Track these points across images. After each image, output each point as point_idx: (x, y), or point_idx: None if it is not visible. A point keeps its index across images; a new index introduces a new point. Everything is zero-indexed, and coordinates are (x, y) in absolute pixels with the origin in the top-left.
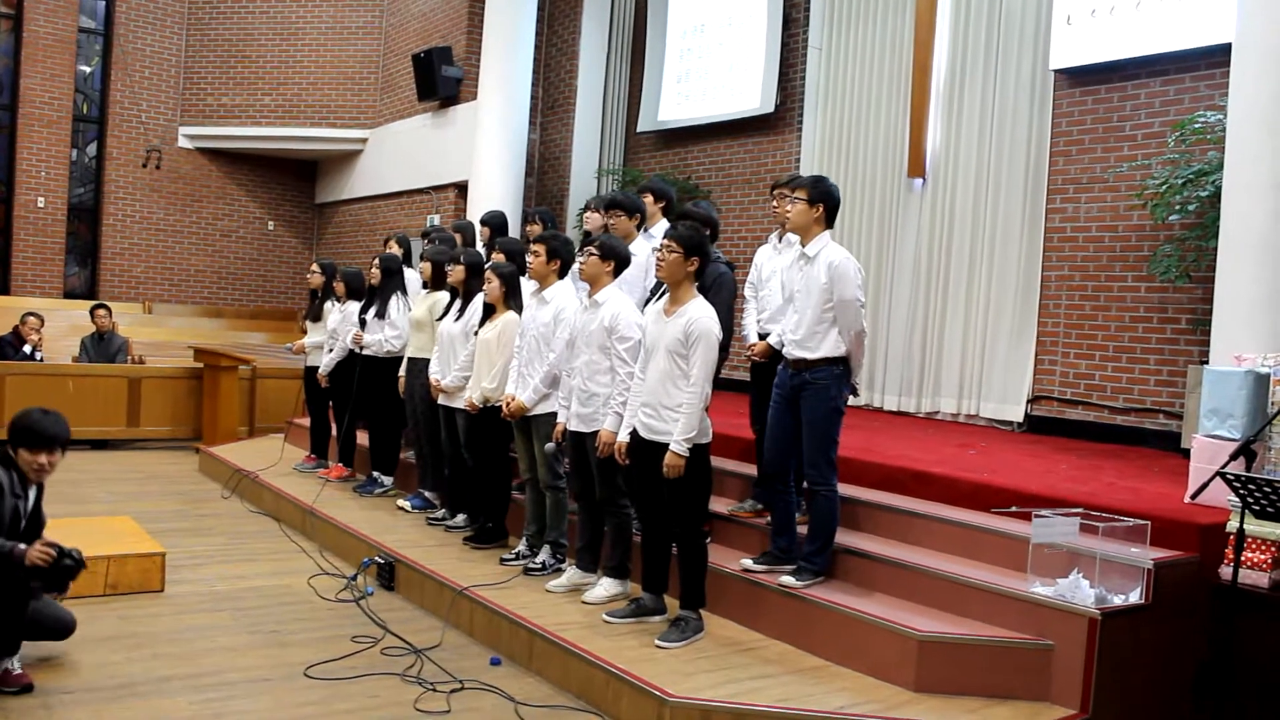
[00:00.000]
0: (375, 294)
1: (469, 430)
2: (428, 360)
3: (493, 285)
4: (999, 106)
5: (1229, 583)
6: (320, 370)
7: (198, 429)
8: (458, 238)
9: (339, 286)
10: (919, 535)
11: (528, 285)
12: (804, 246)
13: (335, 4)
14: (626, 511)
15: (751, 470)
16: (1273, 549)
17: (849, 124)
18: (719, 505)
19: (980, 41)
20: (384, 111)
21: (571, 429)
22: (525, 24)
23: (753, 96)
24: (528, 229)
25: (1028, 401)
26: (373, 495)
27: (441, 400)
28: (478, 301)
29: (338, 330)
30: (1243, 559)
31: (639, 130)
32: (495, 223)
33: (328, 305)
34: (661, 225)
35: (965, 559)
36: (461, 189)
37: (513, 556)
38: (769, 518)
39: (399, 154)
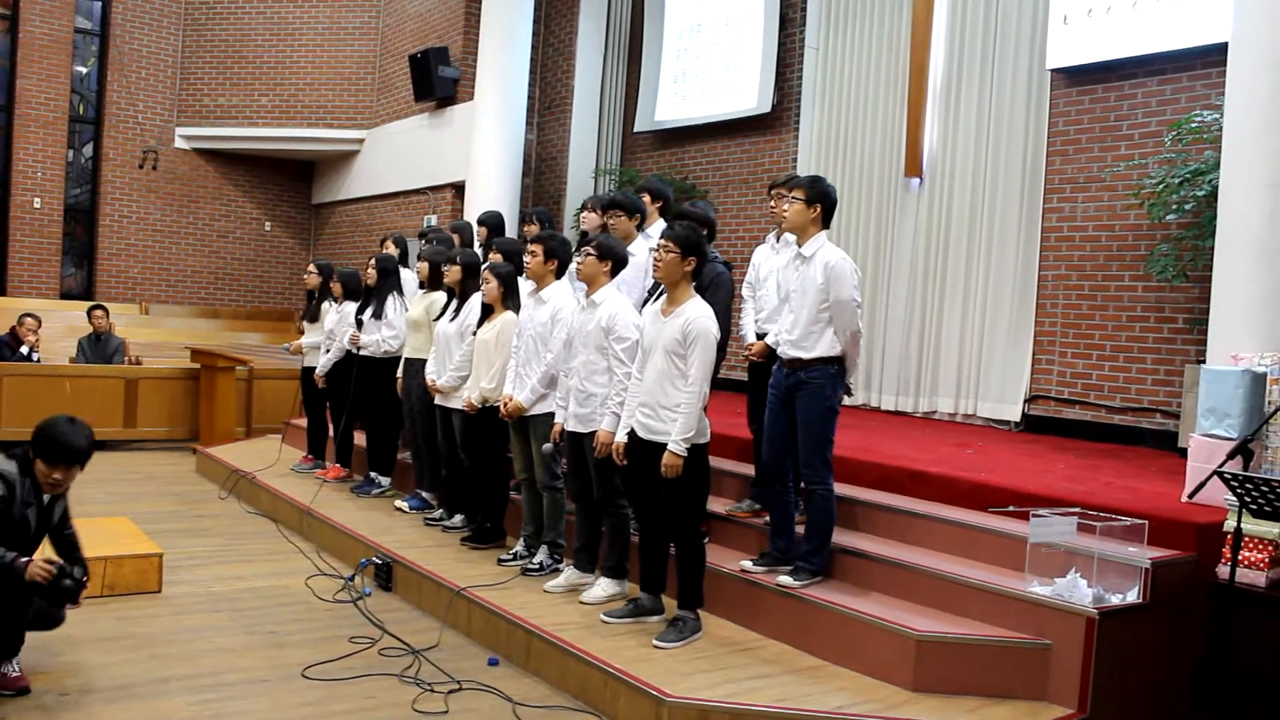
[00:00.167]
0: (372, 294)
1: (465, 430)
2: (425, 360)
3: (490, 285)
4: (996, 106)
5: (1226, 582)
6: (317, 371)
7: (195, 430)
8: (455, 238)
9: (336, 287)
10: (917, 535)
11: (525, 285)
12: (800, 246)
13: (332, 4)
14: (624, 512)
15: (749, 470)
16: (1270, 548)
17: (846, 124)
18: (717, 505)
19: (977, 41)
20: (381, 112)
21: (569, 429)
22: (522, 24)
23: (749, 96)
24: (525, 229)
25: (1025, 401)
26: (370, 496)
27: (438, 400)
28: (473, 301)
29: (335, 331)
30: (1240, 558)
31: (636, 130)
32: (492, 223)
33: (325, 306)
34: (659, 225)
35: (963, 559)
36: (458, 189)
37: (510, 557)
38: (767, 518)
39: (396, 154)
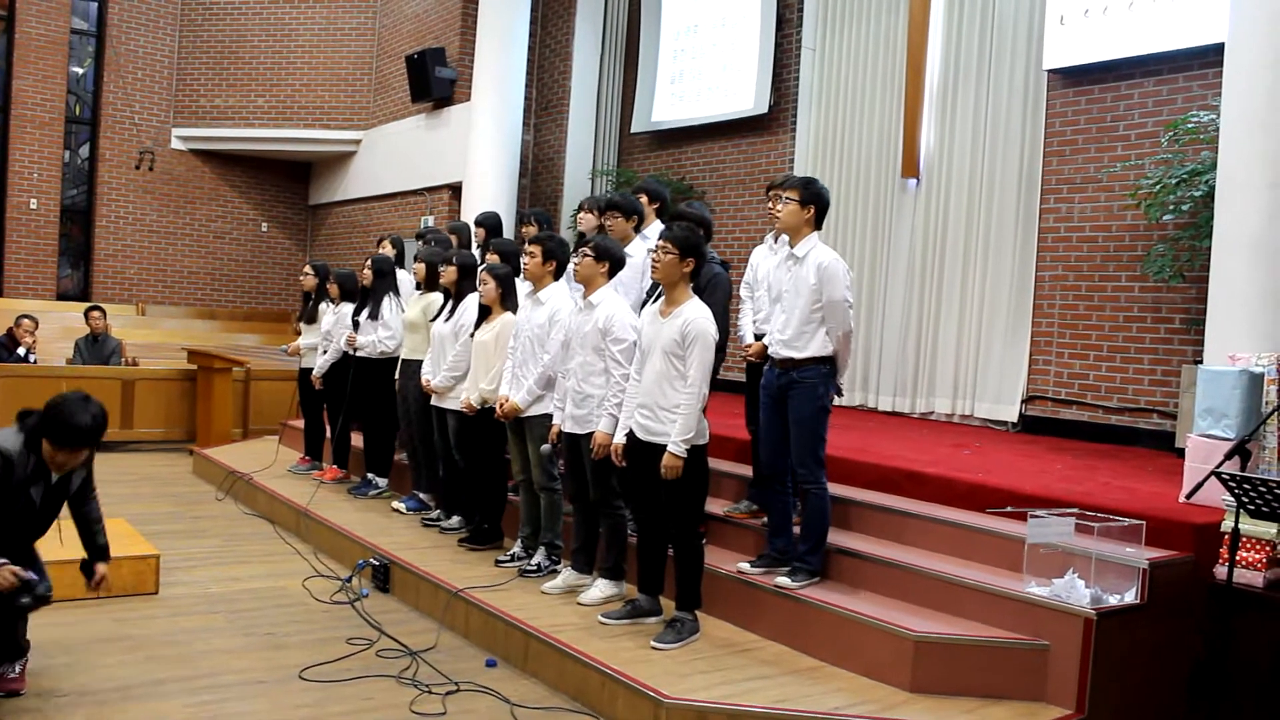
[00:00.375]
0: (368, 295)
1: (459, 431)
2: (421, 361)
3: (488, 286)
4: (993, 107)
5: (1224, 582)
6: (315, 372)
7: (191, 431)
8: (453, 239)
9: (333, 288)
10: (914, 536)
11: (522, 286)
12: (792, 247)
13: (328, 5)
14: (621, 513)
15: (747, 471)
16: (1268, 548)
17: (843, 124)
18: (714, 506)
19: (974, 42)
20: (377, 113)
21: (566, 430)
22: (519, 25)
23: (746, 97)
24: (523, 230)
25: (1022, 401)
26: (367, 497)
27: (434, 401)
28: (468, 302)
29: (332, 332)
30: (1238, 558)
31: (633, 131)
32: (490, 224)
33: (322, 307)
34: (656, 226)
35: (961, 559)
36: (455, 190)
37: (508, 558)
38: (765, 519)
39: (393, 155)
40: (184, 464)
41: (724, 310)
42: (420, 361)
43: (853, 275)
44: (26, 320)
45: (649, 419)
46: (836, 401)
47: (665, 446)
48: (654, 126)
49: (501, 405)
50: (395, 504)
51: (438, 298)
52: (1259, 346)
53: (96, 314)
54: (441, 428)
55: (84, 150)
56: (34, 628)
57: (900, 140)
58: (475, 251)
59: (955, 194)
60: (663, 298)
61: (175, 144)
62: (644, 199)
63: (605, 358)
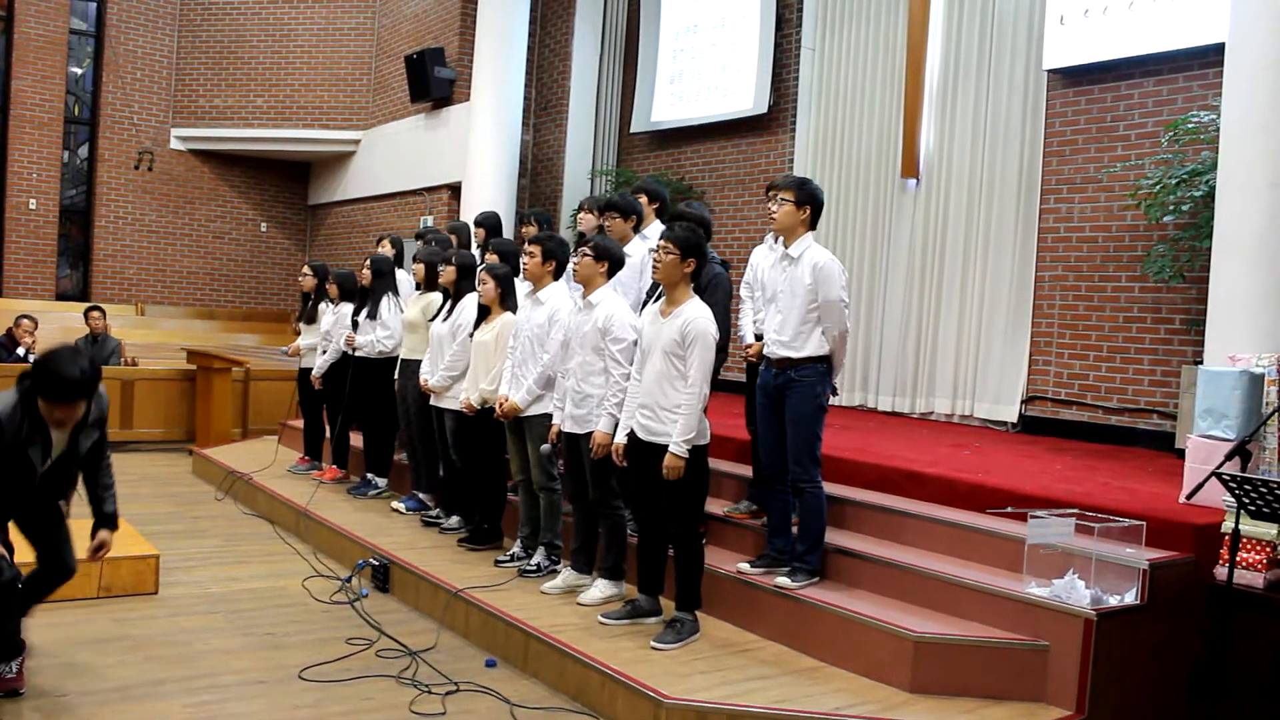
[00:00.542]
0: (367, 295)
1: (457, 431)
2: (421, 361)
3: (487, 286)
4: (992, 107)
5: (1224, 583)
6: (314, 372)
7: (191, 431)
8: (453, 239)
9: (332, 288)
10: (914, 536)
11: (521, 286)
12: (787, 247)
13: (327, 5)
14: (621, 513)
15: (747, 471)
16: (1268, 549)
17: (842, 124)
18: (714, 506)
19: (973, 42)
20: (377, 113)
21: (566, 430)
22: (518, 25)
23: (746, 97)
24: (523, 230)
25: (1022, 402)
26: (367, 497)
27: (432, 400)
28: (466, 302)
29: (331, 332)
30: (1238, 559)
31: (632, 131)
32: (489, 224)
33: (321, 307)
34: (655, 226)
35: (960, 560)
36: (455, 190)
37: (507, 558)
38: (765, 519)
39: (392, 155)
40: (183, 464)
41: (725, 310)
42: (419, 361)
43: (848, 275)
44: (26, 320)
45: (650, 419)
46: (832, 401)
47: (666, 447)
48: (653, 126)
49: (501, 405)
50: (395, 504)
51: (437, 298)
52: (1259, 347)
53: (96, 314)
54: (441, 427)
55: (83, 150)
56: (34, 627)
57: (900, 140)
58: (475, 251)
59: (955, 194)
60: (663, 298)
61: (174, 144)
62: (643, 199)
63: (604, 357)
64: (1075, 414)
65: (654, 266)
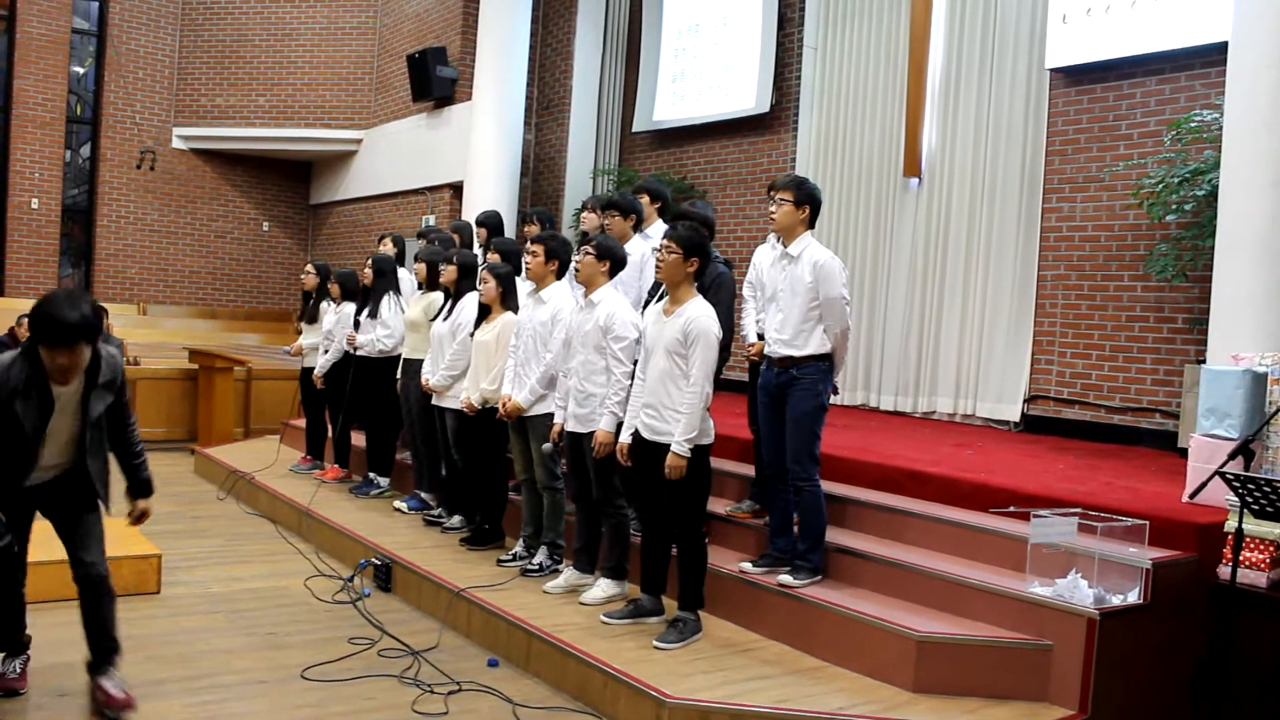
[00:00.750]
0: (369, 294)
1: (457, 431)
2: (423, 360)
3: (488, 285)
4: (995, 106)
5: (1227, 582)
6: (316, 371)
7: (193, 430)
8: (455, 238)
9: (334, 288)
10: (917, 535)
11: (523, 286)
12: (786, 246)
13: (329, 5)
14: (624, 512)
15: (749, 470)
16: (1271, 548)
17: (844, 124)
18: (716, 506)
19: (976, 40)
20: (379, 112)
21: (568, 429)
22: (520, 24)
23: (748, 96)
24: (525, 229)
25: (1024, 401)
26: (369, 496)
27: (433, 400)
28: (466, 301)
29: (333, 331)
30: (1241, 559)
31: (634, 130)
32: (491, 223)
33: (323, 306)
34: (657, 225)
35: (963, 559)
36: (457, 190)
37: (510, 557)
38: (767, 518)
39: (394, 155)
40: (185, 463)
41: (729, 310)
42: (422, 361)
43: (849, 273)
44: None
45: (654, 418)
46: (833, 400)
47: (670, 446)
48: (655, 126)
49: (504, 405)
50: (397, 503)
51: (438, 297)
52: (1262, 346)
53: None
54: (442, 427)
55: (85, 150)
56: (34, 627)
57: (902, 139)
58: (477, 251)
59: (957, 193)
60: (666, 297)
61: (176, 143)
62: (645, 198)
63: (606, 356)
64: (1078, 413)
65: (657, 266)
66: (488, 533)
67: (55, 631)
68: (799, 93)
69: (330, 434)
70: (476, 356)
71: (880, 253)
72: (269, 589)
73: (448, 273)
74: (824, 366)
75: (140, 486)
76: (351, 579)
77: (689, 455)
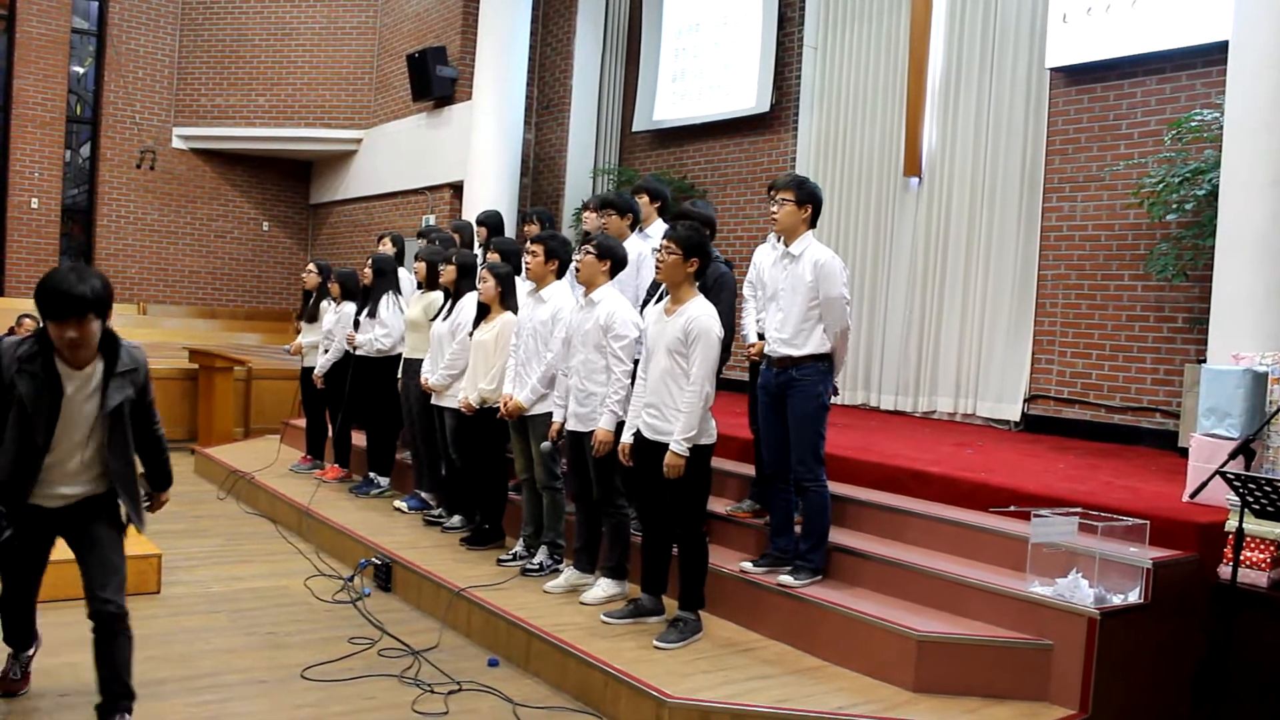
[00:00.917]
0: (369, 294)
1: (456, 430)
2: (423, 360)
3: (488, 285)
4: (995, 105)
5: (1228, 582)
6: (316, 371)
7: (193, 430)
8: (456, 237)
9: (334, 287)
10: (917, 535)
11: (523, 285)
12: (788, 246)
13: (329, 4)
14: (624, 512)
15: (750, 470)
16: (1272, 548)
17: (844, 123)
18: (717, 505)
19: (976, 40)
20: (379, 112)
21: (569, 429)
22: (520, 24)
23: (748, 96)
24: (526, 229)
25: (1024, 401)
26: (369, 496)
27: (432, 399)
28: (465, 301)
29: (333, 331)
30: (1242, 558)
31: (634, 130)
32: (492, 223)
33: (324, 305)
34: (657, 225)
35: (964, 559)
36: (457, 189)
37: (510, 557)
38: (768, 518)
39: (394, 154)
40: (185, 463)
41: (730, 309)
42: (422, 360)
43: (849, 272)
44: (28, 320)
45: (656, 418)
46: (834, 399)
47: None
48: (655, 125)
49: (505, 404)
50: (397, 503)
51: (438, 296)
52: (1263, 345)
53: None
54: (441, 426)
55: (85, 149)
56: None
57: (902, 139)
58: (478, 250)
59: (958, 193)
60: (668, 296)
61: (176, 143)
62: (645, 198)
63: (607, 355)
64: (1078, 413)
65: (657, 266)
66: (488, 532)
67: (57, 631)
68: (799, 92)
69: (330, 433)
70: (475, 356)
71: (880, 252)
72: (269, 589)
73: (447, 272)
74: (824, 367)
75: (159, 477)
76: (352, 579)
77: (687, 454)
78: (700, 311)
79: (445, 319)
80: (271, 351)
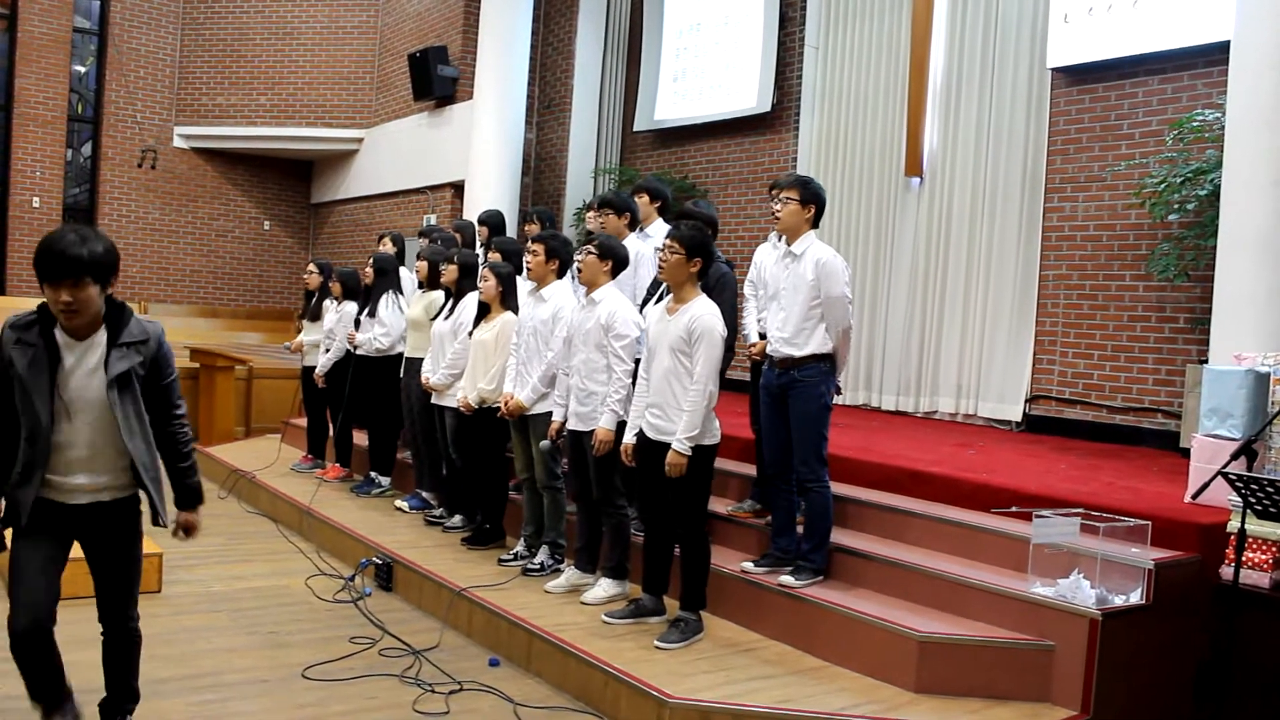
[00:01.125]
0: (370, 293)
1: (456, 429)
2: (424, 359)
3: (489, 284)
4: (996, 105)
5: (1230, 583)
6: (317, 370)
7: (194, 429)
8: (457, 237)
9: (335, 287)
10: (918, 535)
11: (523, 284)
12: (790, 245)
13: (330, 4)
14: (624, 512)
15: (751, 470)
16: (1274, 549)
17: (846, 123)
18: (718, 505)
19: (977, 40)
20: (380, 111)
21: (570, 428)
22: (521, 23)
23: (749, 95)
24: (526, 228)
25: (1026, 401)
26: (370, 495)
27: (433, 399)
28: (467, 300)
29: (334, 330)
30: (1244, 559)
31: (635, 129)
32: (493, 222)
33: (325, 304)
34: (658, 224)
35: (965, 559)
36: (458, 189)
37: (511, 557)
38: (769, 518)
39: (395, 154)
40: None
41: (733, 309)
42: (424, 359)
43: (851, 271)
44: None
45: (659, 418)
46: (836, 399)
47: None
48: (656, 125)
49: (506, 404)
50: (398, 503)
51: (440, 296)
52: (1265, 346)
53: None
54: (442, 426)
55: (86, 149)
56: None
57: (903, 139)
58: (479, 250)
59: (959, 193)
60: (669, 296)
61: (177, 142)
62: (645, 198)
63: (608, 354)
64: (1079, 413)
65: (660, 266)
66: (489, 532)
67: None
68: (800, 92)
69: (331, 433)
70: (474, 356)
71: (882, 252)
72: (270, 588)
73: (449, 272)
74: (825, 367)
75: (186, 493)
76: (353, 578)
77: (690, 453)
78: (703, 310)
79: (447, 318)
80: (272, 351)
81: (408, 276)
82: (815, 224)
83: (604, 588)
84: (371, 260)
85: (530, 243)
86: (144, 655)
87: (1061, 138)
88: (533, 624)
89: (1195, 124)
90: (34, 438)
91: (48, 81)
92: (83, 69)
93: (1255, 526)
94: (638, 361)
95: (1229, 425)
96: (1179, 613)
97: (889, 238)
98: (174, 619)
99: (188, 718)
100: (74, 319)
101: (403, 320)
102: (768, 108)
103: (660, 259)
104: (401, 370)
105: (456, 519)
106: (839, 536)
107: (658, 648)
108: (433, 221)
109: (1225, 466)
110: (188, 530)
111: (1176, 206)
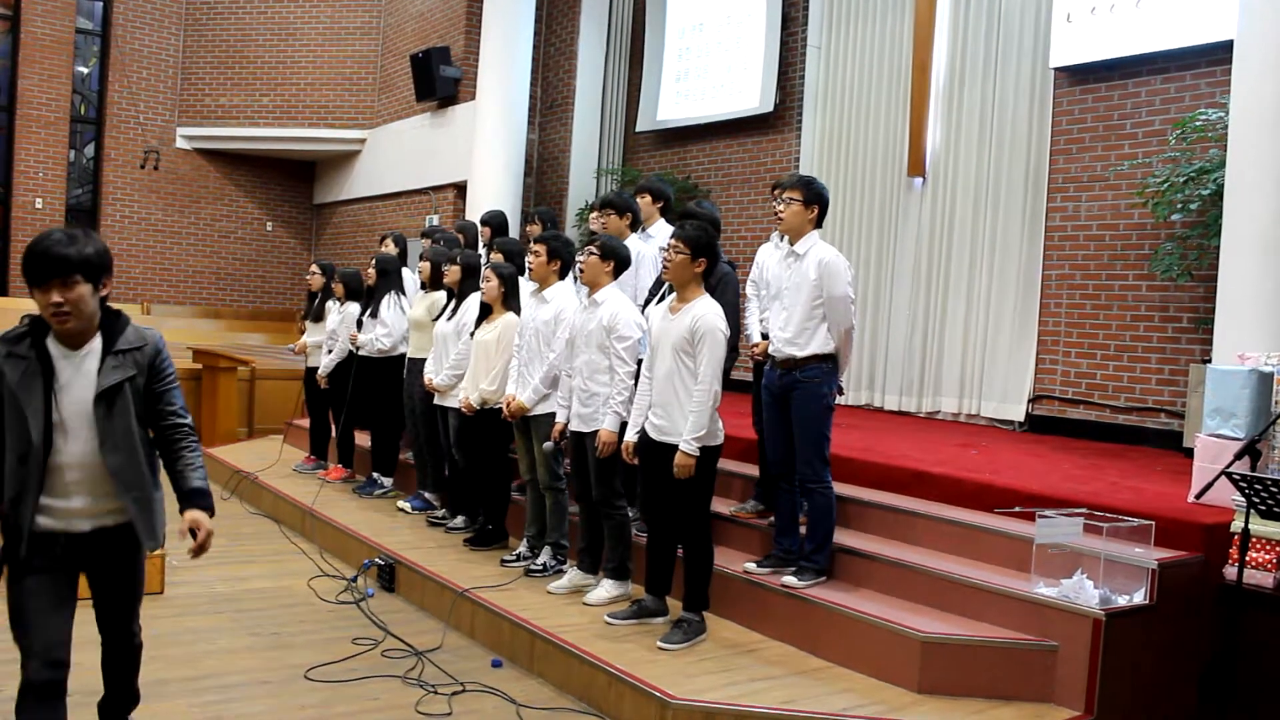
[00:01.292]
0: (372, 294)
1: (459, 430)
2: (427, 360)
3: (491, 285)
4: (999, 105)
5: (1234, 583)
6: (320, 371)
7: (196, 430)
8: (460, 238)
9: (338, 287)
10: (921, 535)
11: (526, 285)
12: (793, 245)
13: (333, 4)
14: (624, 512)
15: (753, 470)
16: (1278, 549)
17: (848, 123)
18: (720, 506)
19: (980, 40)
20: (382, 112)
21: (572, 429)
22: (524, 24)
23: (752, 96)
24: (528, 229)
25: (1029, 401)
26: (372, 496)
27: (436, 400)
28: (470, 301)
29: (337, 331)
30: (1248, 559)
31: (638, 130)
32: (496, 223)
33: (328, 305)
34: (660, 224)
35: (968, 559)
36: (460, 189)
37: (513, 558)
38: (771, 519)
39: (397, 154)
40: None
41: (735, 310)
42: (426, 360)
43: (854, 271)
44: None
45: (662, 419)
46: (838, 400)
47: (677, 446)
48: (659, 125)
49: (508, 405)
50: (401, 503)
51: (442, 296)
52: (1268, 345)
53: None
54: (445, 427)
55: (89, 150)
56: None
57: (906, 139)
58: (482, 250)
59: (961, 193)
60: (673, 296)
61: (180, 143)
62: (647, 198)
63: (610, 355)
64: (1083, 413)
65: (664, 266)
66: (491, 533)
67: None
68: (803, 92)
69: (334, 433)
70: (476, 356)
71: (884, 252)
72: (273, 589)
73: (452, 272)
74: (827, 367)
75: (190, 496)
76: (355, 579)
77: (697, 454)
78: (706, 310)
79: (449, 319)
80: (275, 351)
81: (410, 277)
82: (818, 224)
83: (606, 588)
84: (374, 261)
85: (532, 243)
86: (146, 656)
87: (1064, 137)
88: (535, 625)
89: (1198, 123)
90: (25, 458)
91: (50, 82)
92: (85, 70)
93: (1259, 526)
94: (639, 362)
95: (1232, 425)
96: (1183, 613)
97: (891, 238)
98: (176, 620)
99: (190, 718)
100: (67, 322)
101: (405, 321)
102: (770, 108)
103: (665, 259)
104: (404, 371)
105: (459, 520)
106: (842, 537)
107: (661, 648)
108: (435, 222)
109: (1229, 466)
110: (194, 532)
111: (1180, 206)
